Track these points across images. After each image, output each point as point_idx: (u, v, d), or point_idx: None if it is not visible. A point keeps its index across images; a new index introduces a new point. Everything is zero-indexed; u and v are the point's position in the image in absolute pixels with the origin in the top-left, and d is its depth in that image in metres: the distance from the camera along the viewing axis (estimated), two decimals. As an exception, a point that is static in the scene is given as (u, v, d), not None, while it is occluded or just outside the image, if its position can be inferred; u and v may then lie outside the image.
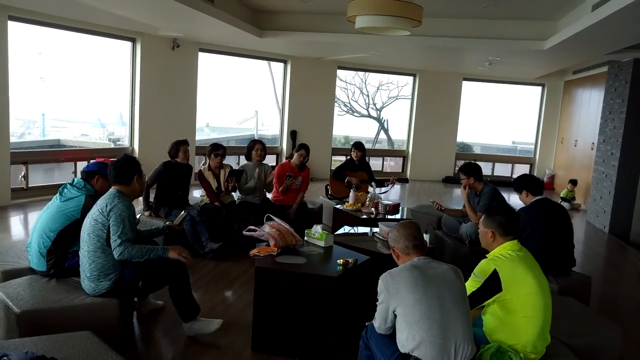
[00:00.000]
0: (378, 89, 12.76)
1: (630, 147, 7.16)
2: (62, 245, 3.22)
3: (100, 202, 2.99)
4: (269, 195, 5.80)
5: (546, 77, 11.57)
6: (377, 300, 2.33)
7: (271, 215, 3.71)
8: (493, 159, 12.83)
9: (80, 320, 2.83)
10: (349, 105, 12.78)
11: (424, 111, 11.76)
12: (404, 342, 2.14)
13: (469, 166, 5.05)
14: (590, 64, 9.03)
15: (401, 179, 6.60)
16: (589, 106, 9.73)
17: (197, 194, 6.26)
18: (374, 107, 13.26)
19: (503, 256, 2.53)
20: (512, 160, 12.70)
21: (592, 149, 9.38)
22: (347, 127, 12.20)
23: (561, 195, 9.80)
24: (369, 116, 13.42)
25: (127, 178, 3.12)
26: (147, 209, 4.99)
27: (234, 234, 5.29)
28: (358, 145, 6.44)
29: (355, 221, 4.70)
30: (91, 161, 3.59)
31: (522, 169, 12.17)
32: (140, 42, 8.09)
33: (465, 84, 11.95)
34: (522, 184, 4.19)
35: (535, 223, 3.93)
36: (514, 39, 6.96)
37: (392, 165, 11.73)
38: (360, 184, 6.43)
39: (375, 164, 11.14)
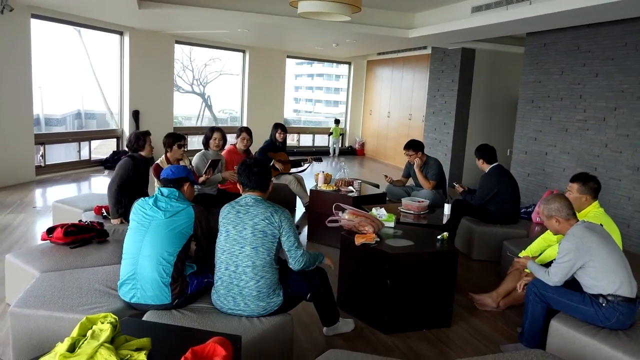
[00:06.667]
0: (206, 64, 12.28)
1: (460, 117, 9.05)
2: (181, 269, 2.70)
3: (261, 212, 2.64)
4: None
5: (353, 56, 13.12)
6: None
7: (340, 204, 3.73)
8: (312, 131, 14.01)
9: (270, 345, 2.53)
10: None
11: (254, 87, 11.96)
12: (605, 286, 2.75)
13: (414, 142, 5.80)
14: (407, 47, 10.71)
15: (316, 157, 6.92)
16: (402, 83, 11.59)
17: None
18: (197, 83, 12.73)
19: (600, 213, 3.36)
20: (326, 131, 14.00)
21: (409, 119, 11.31)
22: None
23: (333, 137, 12.70)
24: (193, 92, 12.83)
25: (267, 184, 2.81)
26: (116, 216, 4.16)
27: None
28: (283, 127, 6.48)
29: (346, 201, 4.91)
30: (170, 166, 2.96)
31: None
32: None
33: (288, 61, 12.59)
34: (480, 153, 5.14)
35: (501, 184, 4.95)
36: (384, 26, 7.88)
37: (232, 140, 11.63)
38: (284, 164, 6.54)
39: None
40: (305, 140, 13.75)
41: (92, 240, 3.59)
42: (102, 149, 10.41)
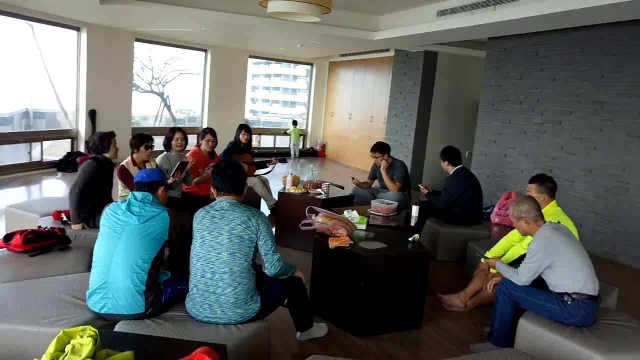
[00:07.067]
0: (166, 64, 11.97)
1: (421, 120, 9.23)
2: (156, 277, 2.61)
3: (237, 216, 2.59)
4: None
5: (315, 57, 13.13)
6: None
7: (313, 207, 3.72)
8: (273, 132, 13.95)
9: (248, 352, 2.49)
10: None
11: (215, 87, 11.77)
12: (571, 284, 2.86)
13: (381, 145, 5.86)
14: (372, 49, 10.81)
15: (281, 158, 6.87)
16: (364, 85, 11.70)
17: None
18: (157, 82, 12.40)
19: (557, 212, 3.50)
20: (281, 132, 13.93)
21: (370, 121, 11.42)
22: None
23: (293, 139, 12.71)
24: (152, 92, 12.49)
25: (242, 187, 2.76)
26: (78, 221, 3.99)
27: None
28: (248, 128, 6.39)
29: (315, 203, 4.89)
30: (144, 170, 2.86)
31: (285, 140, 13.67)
32: None
33: (250, 60, 12.48)
34: (445, 155, 5.24)
35: (465, 186, 5.07)
36: (350, 27, 7.92)
37: (193, 142, 11.41)
38: (248, 166, 6.46)
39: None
40: (266, 142, 13.66)
41: (53, 248, 3.41)
42: (54, 149, 9.92)
